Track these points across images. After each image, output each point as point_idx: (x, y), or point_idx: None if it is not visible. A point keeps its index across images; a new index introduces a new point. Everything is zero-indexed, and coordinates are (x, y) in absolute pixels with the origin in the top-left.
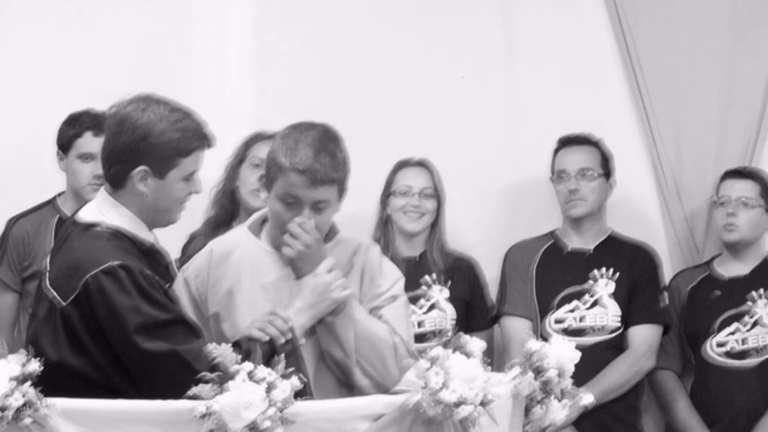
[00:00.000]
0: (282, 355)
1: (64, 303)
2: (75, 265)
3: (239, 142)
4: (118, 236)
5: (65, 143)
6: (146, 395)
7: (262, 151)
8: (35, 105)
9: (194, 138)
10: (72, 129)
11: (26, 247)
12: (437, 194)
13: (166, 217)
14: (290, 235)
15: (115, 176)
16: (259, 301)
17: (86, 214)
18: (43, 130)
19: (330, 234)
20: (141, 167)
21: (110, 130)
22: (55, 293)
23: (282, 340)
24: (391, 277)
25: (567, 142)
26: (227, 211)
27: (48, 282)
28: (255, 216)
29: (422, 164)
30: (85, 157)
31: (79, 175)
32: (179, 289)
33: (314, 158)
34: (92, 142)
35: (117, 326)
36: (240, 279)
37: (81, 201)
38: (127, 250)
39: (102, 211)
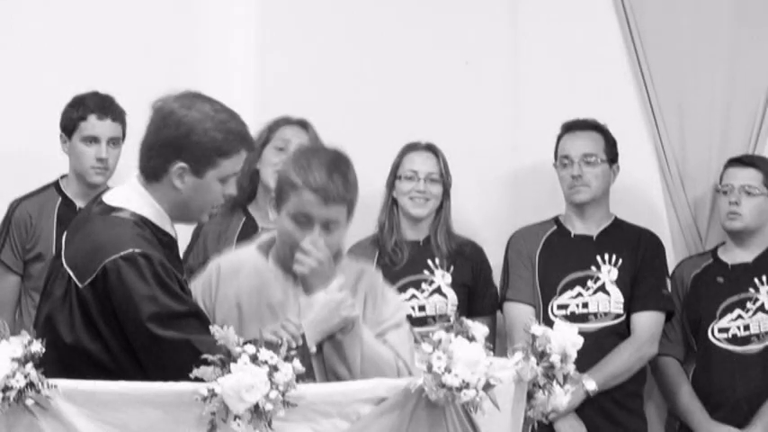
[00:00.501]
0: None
1: (81, 285)
2: (96, 248)
3: (263, 125)
4: (141, 224)
5: (68, 126)
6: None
7: (286, 134)
8: (39, 97)
9: (237, 140)
10: (76, 111)
11: (28, 229)
12: (443, 179)
13: (196, 216)
14: (303, 252)
15: (152, 169)
16: (266, 320)
17: (112, 198)
18: (47, 119)
19: (336, 258)
20: (180, 164)
21: (153, 124)
22: (72, 273)
23: (294, 344)
24: (393, 304)
25: (571, 128)
26: (245, 193)
27: (64, 260)
28: (265, 237)
29: (429, 148)
30: (89, 140)
31: (83, 158)
32: None
33: (327, 177)
34: (96, 125)
35: (131, 312)
36: (247, 296)
37: (84, 184)
38: (148, 239)
39: (131, 198)
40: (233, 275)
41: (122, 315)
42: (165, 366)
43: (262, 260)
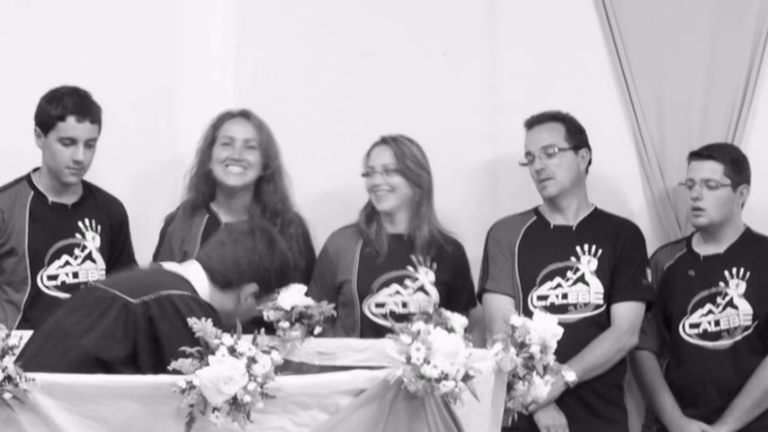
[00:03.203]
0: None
1: (134, 300)
2: (155, 282)
3: (207, 125)
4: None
5: (45, 123)
6: None
7: (230, 130)
8: (16, 83)
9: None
10: (54, 109)
11: (0, 223)
12: (402, 169)
13: (225, 324)
14: None
15: (227, 279)
16: None
17: (178, 268)
18: (24, 109)
19: None
20: (255, 286)
21: (251, 245)
22: (120, 293)
23: None
24: None
25: (531, 123)
26: (204, 195)
27: (106, 287)
28: None
29: (384, 141)
30: (67, 141)
31: (58, 157)
32: None
33: None
34: (75, 127)
35: (181, 340)
36: None
37: (57, 180)
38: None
39: (196, 279)
40: None
41: (171, 340)
42: None
43: None
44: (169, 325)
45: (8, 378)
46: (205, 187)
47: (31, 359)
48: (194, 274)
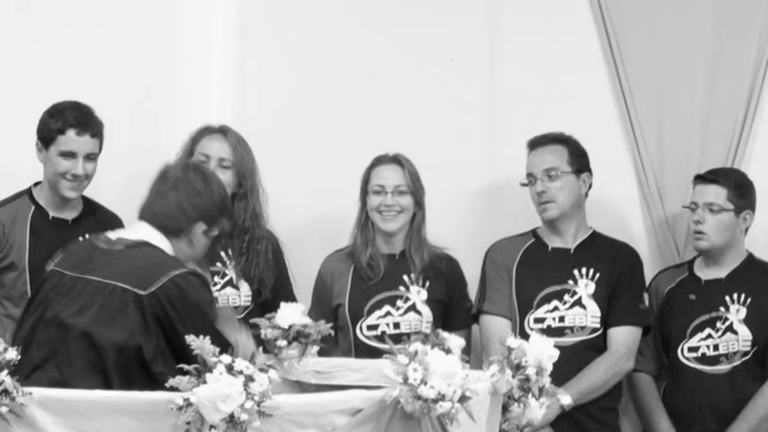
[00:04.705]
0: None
1: (144, 292)
2: (155, 265)
3: (186, 137)
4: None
5: (46, 136)
6: None
7: (207, 147)
8: (15, 96)
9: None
10: (55, 123)
11: (1, 238)
12: (412, 191)
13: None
14: None
15: (175, 226)
16: None
17: (134, 235)
18: (24, 122)
19: None
20: (203, 225)
21: (180, 187)
22: (127, 285)
23: None
24: None
25: (533, 144)
26: None
27: (107, 279)
28: None
29: (394, 160)
30: (66, 155)
31: (57, 170)
32: None
33: None
34: (74, 141)
35: (200, 318)
36: None
37: (57, 194)
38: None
39: (162, 243)
40: None
41: (187, 322)
42: None
43: None
44: (181, 310)
45: (5, 392)
46: None
47: (46, 361)
48: (151, 236)
